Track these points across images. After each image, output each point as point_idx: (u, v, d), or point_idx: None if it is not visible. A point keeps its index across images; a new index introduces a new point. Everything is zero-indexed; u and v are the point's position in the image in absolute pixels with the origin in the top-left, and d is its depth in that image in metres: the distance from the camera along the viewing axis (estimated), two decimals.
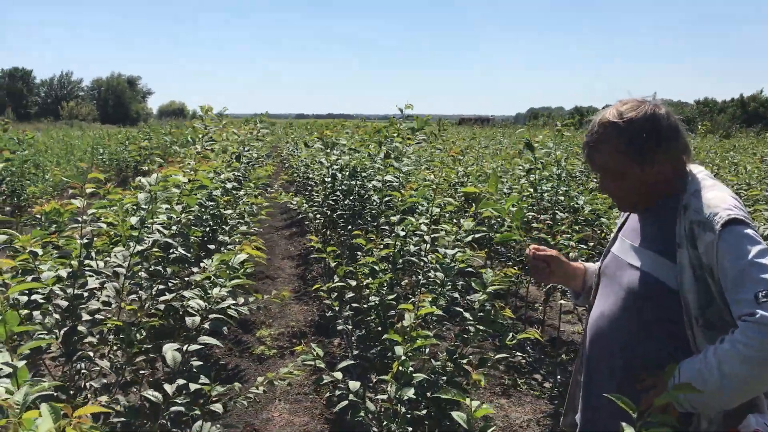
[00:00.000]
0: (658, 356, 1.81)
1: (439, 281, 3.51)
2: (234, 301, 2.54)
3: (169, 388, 2.22)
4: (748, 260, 1.60)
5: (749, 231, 1.66)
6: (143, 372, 2.69)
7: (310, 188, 8.23)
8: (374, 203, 5.26)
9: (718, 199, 1.74)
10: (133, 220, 2.55)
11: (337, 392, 3.12)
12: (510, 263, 6.46)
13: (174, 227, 3.15)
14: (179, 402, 2.27)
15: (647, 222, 1.96)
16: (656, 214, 1.92)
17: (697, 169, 1.91)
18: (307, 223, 7.68)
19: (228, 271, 2.61)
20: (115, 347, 2.56)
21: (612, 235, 2.18)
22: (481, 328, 3.14)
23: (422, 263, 3.81)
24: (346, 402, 3.03)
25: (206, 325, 2.42)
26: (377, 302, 3.80)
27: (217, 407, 2.31)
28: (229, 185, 5.33)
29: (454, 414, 1.83)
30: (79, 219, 2.53)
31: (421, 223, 3.86)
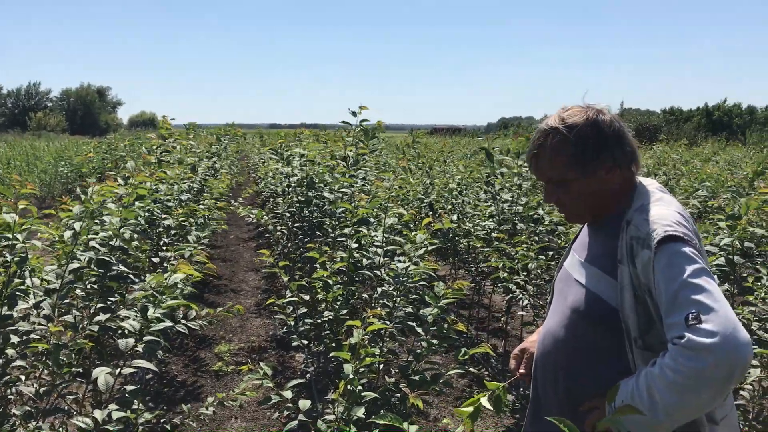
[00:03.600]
0: (600, 377, 1.73)
1: (394, 294, 3.43)
2: (169, 324, 2.42)
3: (99, 415, 2.10)
4: (681, 281, 1.51)
5: (687, 249, 1.57)
6: (76, 396, 2.56)
7: (273, 199, 8.12)
8: (330, 214, 5.18)
9: (659, 215, 1.66)
10: (66, 235, 2.43)
11: (286, 412, 3.02)
12: (473, 273, 6.42)
13: (115, 242, 3.03)
14: (111, 429, 2.15)
15: (594, 236, 1.90)
16: (603, 228, 1.85)
17: (647, 182, 1.85)
18: (267, 235, 7.56)
19: (169, 290, 2.50)
20: (46, 371, 2.43)
21: (568, 247, 2.10)
22: (435, 342, 3.06)
23: (376, 276, 3.72)
24: (295, 422, 2.93)
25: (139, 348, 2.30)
26: (331, 317, 3.71)
27: None
28: (183, 197, 5.21)
29: None
30: (10, 236, 2.40)
31: (374, 236, 3.78)
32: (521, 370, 2.06)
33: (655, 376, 1.51)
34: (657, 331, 1.61)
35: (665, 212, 1.67)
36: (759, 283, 3.46)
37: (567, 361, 1.84)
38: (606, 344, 1.74)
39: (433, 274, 3.41)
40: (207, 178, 6.91)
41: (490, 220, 5.55)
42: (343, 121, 5.13)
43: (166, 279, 2.49)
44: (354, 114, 5.14)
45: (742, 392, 3.32)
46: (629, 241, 1.67)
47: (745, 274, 3.79)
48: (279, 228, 6.49)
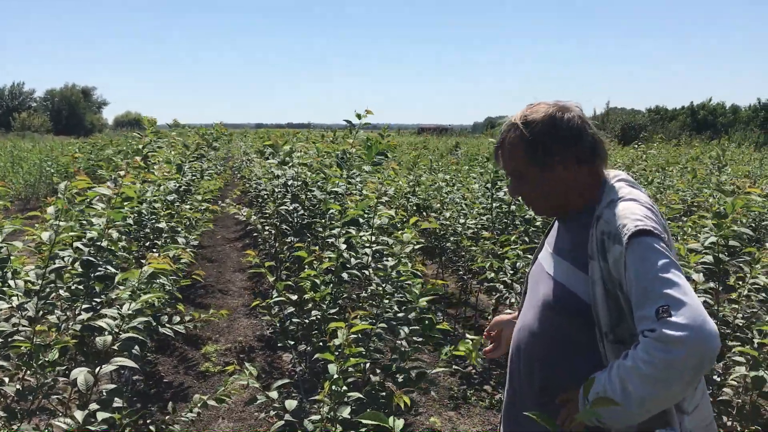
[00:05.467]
0: (577, 370, 1.75)
1: (381, 294, 3.42)
2: (144, 319, 2.39)
3: (79, 415, 2.08)
4: (651, 274, 1.55)
5: (656, 243, 1.60)
6: (61, 396, 2.53)
7: (261, 199, 8.08)
8: (321, 214, 5.16)
9: (629, 209, 1.69)
10: (45, 235, 2.40)
11: (272, 412, 3.01)
12: (461, 272, 6.43)
13: (102, 242, 3.00)
14: (94, 429, 2.13)
15: (564, 231, 1.92)
16: (573, 223, 1.88)
17: (616, 177, 1.87)
18: (255, 235, 7.52)
19: (144, 287, 2.47)
20: (29, 372, 2.40)
21: (542, 240, 2.12)
22: (418, 341, 3.06)
23: (364, 276, 3.71)
24: (282, 422, 2.92)
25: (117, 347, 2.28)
26: (319, 317, 3.70)
27: None
28: (170, 197, 5.18)
29: None
30: None
31: (362, 236, 3.77)
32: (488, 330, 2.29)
33: (627, 368, 1.54)
34: (627, 324, 1.64)
35: (634, 206, 1.70)
36: (741, 282, 3.49)
37: (544, 352, 1.85)
38: (582, 337, 1.75)
39: (419, 273, 3.41)
40: (194, 178, 6.87)
41: (482, 218, 5.57)
42: (345, 120, 5.14)
43: (139, 275, 2.46)
44: (359, 116, 5.11)
45: (725, 389, 3.34)
46: (600, 236, 1.70)
47: (730, 272, 3.82)
48: (267, 228, 6.46)
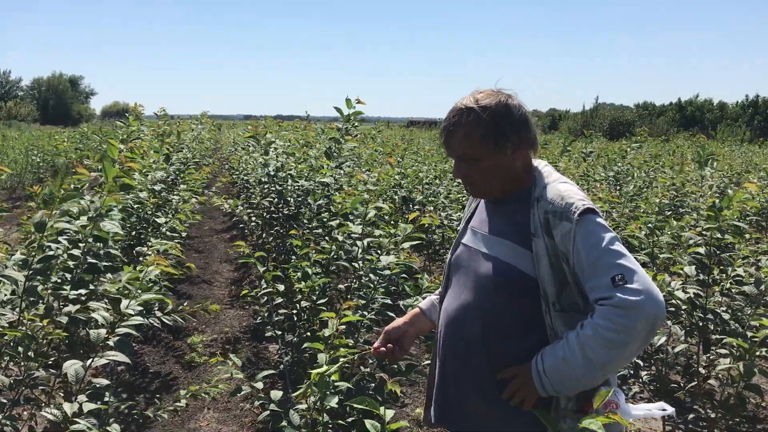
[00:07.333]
0: (519, 346, 1.84)
1: (372, 285, 3.42)
2: (142, 320, 2.37)
3: (68, 407, 2.06)
4: (603, 247, 1.69)
5: (601, 220, 1.75)
6: (45, 387, 2.52)
7: (248, 190, 8.05)
8: (310, 206, 5.15)
9: (571, 191, 1.81)
10: (34, 218, 2.37)
11: (257, 402, 3.01)
12: None
13: (90, 232, 2.97)
14: (81, 421, 2.11)
15: (500, 213, 1.97)
16: (508, 205, 1.95)
17: (541, 164, 1.97)
18: (241, 226, 7.50)
19: (144, 284, 2.45)
20: (12, 362, 2.38)
21: (461, 226, 2.17)
22: None
23: (354, 268, 3.71)
24: (267, 412, 2.91)
25: (111, 342, 2.26)
26: (308, 307, 3.70)
27: (115, 428, 2.14)
28: (157, 187, 5.15)
29: (368, 422, 1.74)
30: None
31: (354, 229, 3.77)
32: (375, 344, 2.21)
33: (588, 337, 1.66)
34: (569, 293, 1.78)
35: (573, 188, 1.84)
36: (724, 275, 3.52)
37: (488, 329, 1.89)
38: (527, 312, 1.83)
39: (414, 266, 3.42)
40: (181, 168, 6.83)
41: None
42: (336, 107, 5.16)
43: (142, 274, 2.44)
44: (349, 104, 5.05)
45: (710, 380, 3.36)
46: (543, 216, 1.80)
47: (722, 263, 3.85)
48: (254, 219, 6.44)
